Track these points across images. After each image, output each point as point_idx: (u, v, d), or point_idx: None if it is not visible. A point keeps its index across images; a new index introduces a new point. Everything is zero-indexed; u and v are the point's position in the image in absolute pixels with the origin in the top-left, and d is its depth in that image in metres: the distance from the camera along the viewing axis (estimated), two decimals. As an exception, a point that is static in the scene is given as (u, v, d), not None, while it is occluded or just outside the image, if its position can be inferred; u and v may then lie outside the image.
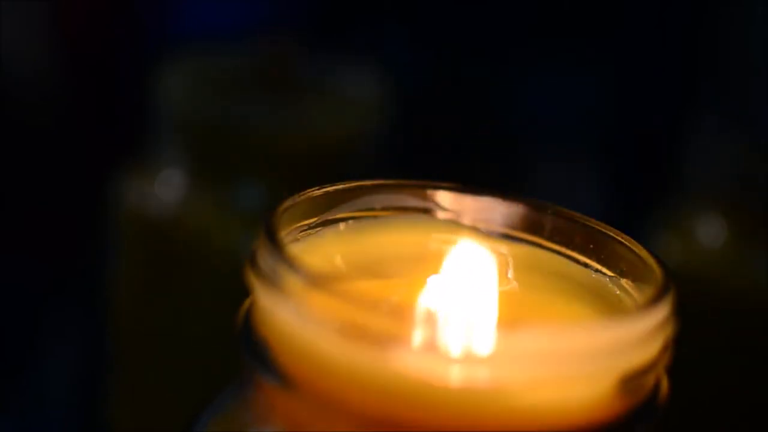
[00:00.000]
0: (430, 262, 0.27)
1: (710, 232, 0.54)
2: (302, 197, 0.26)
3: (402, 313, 0.23)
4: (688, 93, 0.73)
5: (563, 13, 0.73)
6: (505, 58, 0.74)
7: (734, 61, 0.70)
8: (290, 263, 0.23)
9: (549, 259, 0.28)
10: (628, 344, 0.23)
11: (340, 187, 0.27)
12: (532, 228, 0.28)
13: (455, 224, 0.28)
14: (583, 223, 0.27)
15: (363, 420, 0.22)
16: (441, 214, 0.28)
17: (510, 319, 0.26)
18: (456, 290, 0.26)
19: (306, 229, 0.27)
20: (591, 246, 0.27)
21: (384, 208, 0.28)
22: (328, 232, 0.27)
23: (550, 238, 0.28)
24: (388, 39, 0.73)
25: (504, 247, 0.28)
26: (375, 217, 0.28)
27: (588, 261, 0.27)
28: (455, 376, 0.22)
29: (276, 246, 0.24)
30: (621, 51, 0.73)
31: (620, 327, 0.23)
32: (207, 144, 0.55)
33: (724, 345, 0.51)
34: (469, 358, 0.22)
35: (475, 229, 0.28)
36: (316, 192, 0.27)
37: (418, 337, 0.22)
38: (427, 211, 0.28)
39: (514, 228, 0.28)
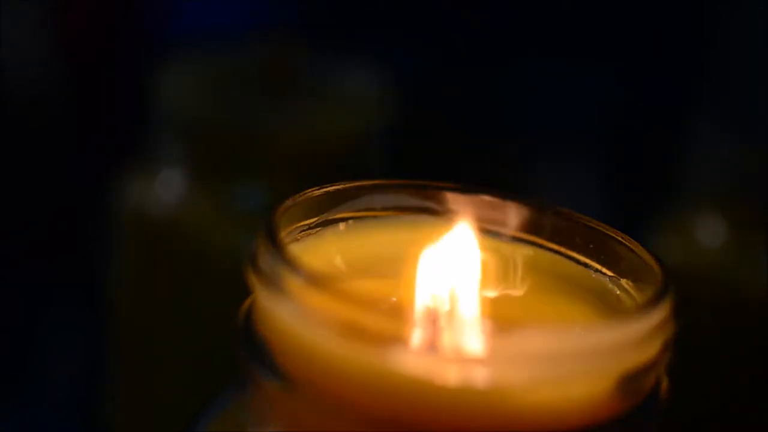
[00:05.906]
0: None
1: (710, 232, 0.54)
2: (302, 197, 0.26)
3: (402, 313, 0.23)
4: (688, 93, 0.73)
5: (564, 14, 0.73)
6: (506, 59, 0.74)
7: (734, 62, 0.70)
8: (290, 263, 0.23)
9: (549, 259, 0.28)
10: (628, 344, 0.23)
11: (340, 187, 0.27)
12: (532, 228, 0.28)
13: (455, 224, 0.28)
14: (583, 223, 0.27)
15: (363, 420, 0.22)
16: (441, 215, 0.28)
17: (510, 319, 0.26)
18: (455, 290, 0.26)
19: (306, 229, 0.27)
20: (591, 246, 0.27)
21: (384, 208, 0.28)
22: (328, 232, 0.27)
23: (550, 239, 0.28)
24: (388, 38, 0.73)
25: (504, 248, 0.28)
26: (375, 217, 0.28)
27: (588, 261, 0.27)
28: (455, 376, 0.22)
29: (276, 246, 0.24)
30: (622, 51, 0.73)
31: (620, 327, 0.23)
32: (207, 144, 0.55)
33: (724, 345, 0.51)
34: (468, 358, 0.22)
35: (475, 229, 0.28)
36: (316, 192, 0.27)
37: (417, 337, 0.22)
38: (427, 211, 0.28)
39: (514, 228, 0.28)
